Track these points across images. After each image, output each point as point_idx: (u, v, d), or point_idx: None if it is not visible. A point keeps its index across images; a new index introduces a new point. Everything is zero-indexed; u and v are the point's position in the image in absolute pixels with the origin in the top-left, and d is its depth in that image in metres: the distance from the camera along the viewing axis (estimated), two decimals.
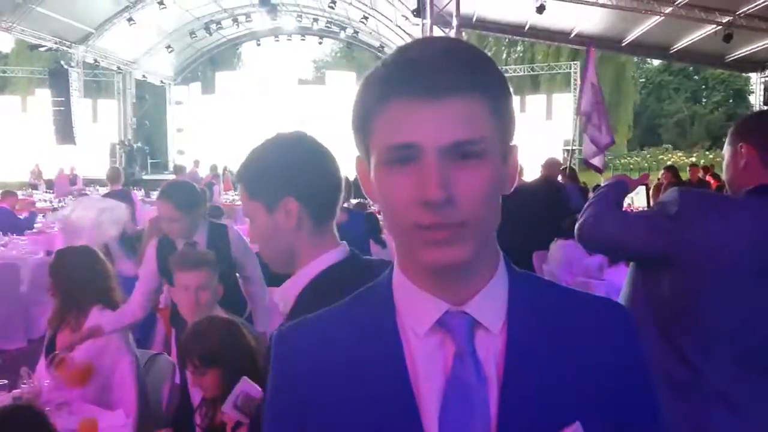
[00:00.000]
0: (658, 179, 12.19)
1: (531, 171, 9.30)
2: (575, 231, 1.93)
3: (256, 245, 1.41)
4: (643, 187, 2.25)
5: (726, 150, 1.89)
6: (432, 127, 0.72)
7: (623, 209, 2.03)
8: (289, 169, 1.33)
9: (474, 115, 0.74)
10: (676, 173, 10.81)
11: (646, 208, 2.30)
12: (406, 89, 0.73)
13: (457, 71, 0.74)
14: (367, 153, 0.80)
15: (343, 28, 23.34)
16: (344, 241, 1.41)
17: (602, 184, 2.08)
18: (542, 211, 6.66)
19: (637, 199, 2.35)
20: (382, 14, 19.34)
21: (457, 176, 0.72)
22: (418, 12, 12.80)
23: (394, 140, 0.74)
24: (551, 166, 7.52)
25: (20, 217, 9.07)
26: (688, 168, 11.74)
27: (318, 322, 0.87)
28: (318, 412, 0.81)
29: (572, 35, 16.48)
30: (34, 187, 17.91)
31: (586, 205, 1.96)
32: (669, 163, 16.94)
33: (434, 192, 0.71)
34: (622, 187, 2.03)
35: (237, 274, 3.50)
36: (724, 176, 1.92)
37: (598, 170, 8.66)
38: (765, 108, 14.95)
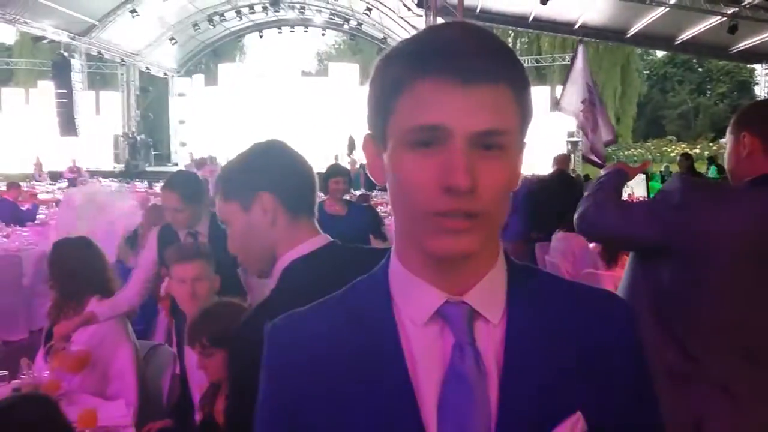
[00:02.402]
0: (661, 172, 12.17)
1: (537, 162, 9.34)
2: (575, 220, 1.91)
3: (235, 251, 1.43)
4: (643, 176, 2.23)
5: (728, 139, 1.87)
6: (463, 111, 0.71)
7: (623, 198, 2.01)
8: (260, 166, 1.38)
9: (503, 105, 0.73)
10: (691, 162, 10.84)
11: (646, 197, 2.29)
12: (439, 70, 0.71)
13: (491, 59, 0.72)
14: (384, 133, 0.77)
15: (347, 20, 23.29)
16: (326, 233, 1.42)
17: (602, 173, 2.06)
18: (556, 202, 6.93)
19: (637, 188, 2.33)
20: (385, 5, 19.29)
21: (480, 166, 0.71)
22: (421, 2, 12.77)
23: (421, 120, 0.72)
24: (564, 160, 7.98)
25: (23, 208, 9.12)
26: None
27: (312, 313, 0.86)
28: (313, 403, 0.80)
29: (576, 26, 16.42)
30: (38, 179, 17.96)
31: (586, 195, 1.95)
32: (672, 155, 16.90)
33: (461, 179, 0.69)
34: (622, 175, 2.01)
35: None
36: (725, 166, 1.90)
37: (599, 165, 8.78)
38: None
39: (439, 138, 0.71)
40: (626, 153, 30.24)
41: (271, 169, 1.37)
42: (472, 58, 0.71)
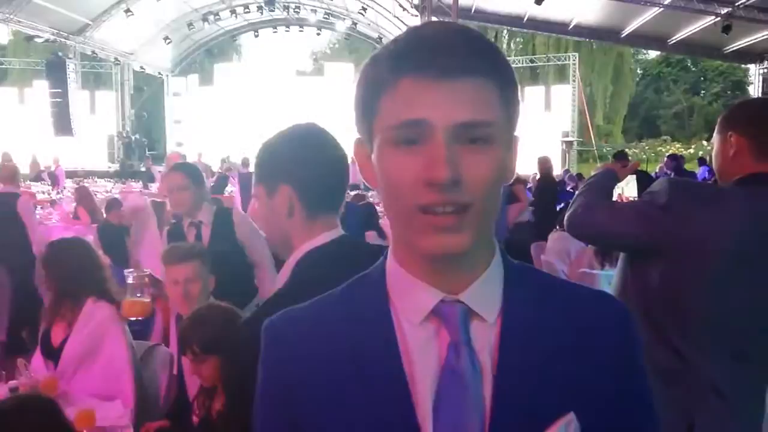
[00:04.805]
0: (656, 172, 12.16)
1: (531, 162, 9.42)
2: (565, 221, 1.92)
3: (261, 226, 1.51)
4: (634, 176, 2.23)
5: (715, 139, 1.87)
6: (443, 106, 0.72)
7: (613, 199, 2.03)
8: (289, 159, 1.39)
9: (485, 98, 0.73)
10: (679, 162, 10.86)
11: (636, 198, 2.30)
12: (418, 67, 0.72)
13: (470, 54, 0.73)
14: (370, 134, 0.79)
15: (342, 19, 23.26)
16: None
17: (592, 173, 2.07)
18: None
19: (628, 189, 2.34)
20: (380, 5, 19.28)
21: (464, 159, 0.72)
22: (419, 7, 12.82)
23: (402, 117, 0.73)
24: (546, 162, 8.33)
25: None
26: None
27: (309, 311, 0.86)
28: (310, 400, 0.81)
29: (571, 26, 16.46)
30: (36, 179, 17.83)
31: (575, 195, 1.96)
32: (667, 155, 16.89)
33: (442, 171, 0.70)
34: (612, 176, 2.02)
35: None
36: (713, 165, 1.92)
37: None
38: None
39: (422, 134, 0.72)
40: None
41: (298, 162, 1.38)
42: (448, 54, 0.72)
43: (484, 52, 0.75)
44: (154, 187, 13.72)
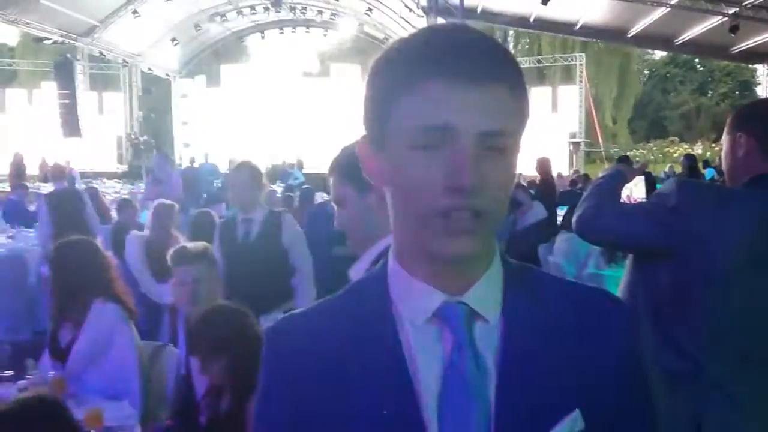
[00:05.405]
0: (665, 172, 12.15)
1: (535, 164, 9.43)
2: (573, 222, 1.92)
3: (345, 228, 1.57)
4: (642, 177, 2.22)
5: (724, 140, 1.87)
6: (471, 112, 0.71)
7: (621, 200, 2.02)
8: None
9: (506, 106, 0.73)
10: (694, 162, 10.90)
11: (645, 199, 2.29)
12: (446, 70, 0.71)
13: (496, 60, 0.73)
14: (382, 134, 0.77)
15: (348, 21, 23.28)
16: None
17: (600, 175, 2.07)
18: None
19: (636, 190, 2.33)
20: (386, 6, 19.30)
21: (485, 166, 0.72)
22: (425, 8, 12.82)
23: (428, 121, 0.71)
24: (546, 163, 8.37)
25: (30, 209, 9.10)
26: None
27: (310, 315, 0.87)
28: (313, 404, 0.80)
29: (577, 27, 16.41)
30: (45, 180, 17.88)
31: (583, 197, 1.95)
32: (675, 155, 16.85)
33: (468, 178, 0.70)
34: (620, 177, 2.01)
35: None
36: (722, 166, 1.91)
37: None
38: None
39: (446, 139, 0.71)
40: (628, 154, 30.18)
41: None
42: (479, 59, 0.72)
43: (506, 59, 0.75)
44: None
